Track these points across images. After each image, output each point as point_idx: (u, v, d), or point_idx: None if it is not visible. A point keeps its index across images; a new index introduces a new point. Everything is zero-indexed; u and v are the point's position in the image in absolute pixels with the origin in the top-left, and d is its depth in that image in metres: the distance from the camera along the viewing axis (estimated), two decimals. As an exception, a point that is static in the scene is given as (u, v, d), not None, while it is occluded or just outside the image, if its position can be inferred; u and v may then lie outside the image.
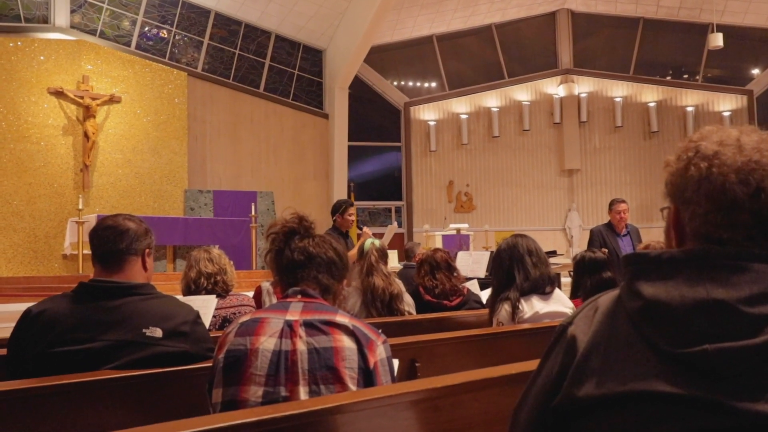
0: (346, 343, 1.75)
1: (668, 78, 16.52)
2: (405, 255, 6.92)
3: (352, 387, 1.72)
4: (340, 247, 2.03)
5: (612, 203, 6.68)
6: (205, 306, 3.09)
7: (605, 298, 1.17)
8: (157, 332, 2.12)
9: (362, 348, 1.76)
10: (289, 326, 1.74)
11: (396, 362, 1.97)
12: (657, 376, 1.00)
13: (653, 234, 9.52)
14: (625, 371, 1.03)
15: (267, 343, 1.72)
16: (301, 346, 1.71)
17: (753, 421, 0.93)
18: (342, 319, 1.80)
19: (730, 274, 0.99)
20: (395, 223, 6.70)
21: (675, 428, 0.97)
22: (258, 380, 1.69)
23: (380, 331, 1.89)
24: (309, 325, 1.75)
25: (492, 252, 8.03)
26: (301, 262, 1.93)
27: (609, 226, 6.62)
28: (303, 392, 1.68)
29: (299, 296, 1.86)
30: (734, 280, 0.99)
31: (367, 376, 1.76)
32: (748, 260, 1.00)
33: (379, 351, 1.81)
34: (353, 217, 6.30)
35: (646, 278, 1.06)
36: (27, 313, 2.16)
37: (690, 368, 0.97)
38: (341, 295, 2.04)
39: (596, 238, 6.47)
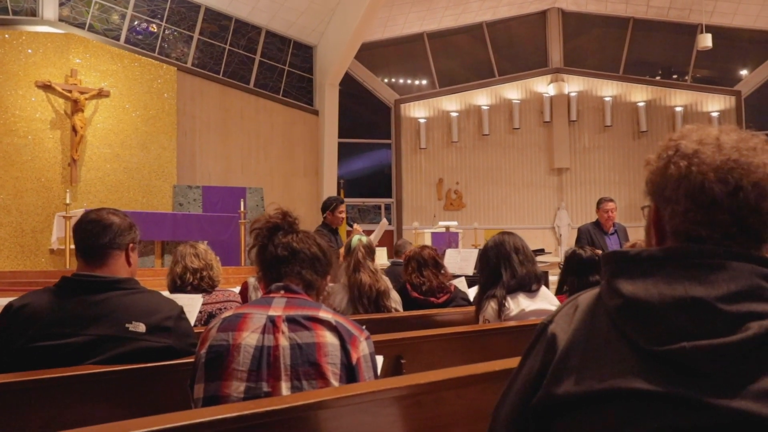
0: (329, 338, 1.75)
1: (657, 78, 16.60)
2: (395, 252, 6.92)
3: (335, 382, 1.72)
4: (324, 243, 2.03)
5: (600, 202, 6.79)
6: (191, 305, 3.08)
7: (585, 296, 1.18)
8: (141, 327, 2.11)
9: (345, 344, 1.77)
10: (272, 322, 1.74)
11: (380, 359, 1.97)
12: (636, 374, 1.00)
13: (642, 233, 9.54)
14: (604, 369, 1.04)
15: (249, 338, 1.72)
16: (284, 342, 1.71)
17: (730, 417, 0.94)
18: (325, 314, 1.80)
19: (708, 272, 1.00)
20: (386, 220, 6.69)
21: (653, 425, 0.98)
22: (240, 375, 1.69)
23: (364, 327, 1.89)
24: (292, 321, 1.75)
25: (480, 250, 8.05)
26: (285, 257, 1.93)
27: (597, 224, 6.72)
28: (285, 388, 1.68)
29: (282, 292, 1.86)
30: (712, 279, 0.99)
31: (350, 372, 1.76)
32: (727, 258, 1.01)
33: (362, 347, 1.81)
34: (343, 214, 6.31)
35: (625, 276, 1.07)
36: (8, 308, 2.14)
37: (668, 366, 0.98)
38: (325, 291, 2.04)
39: (584, 237, 6.55)
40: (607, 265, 1.12)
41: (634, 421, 0.99)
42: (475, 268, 6.81)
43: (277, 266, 1.93)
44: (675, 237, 1.09)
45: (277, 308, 1.78)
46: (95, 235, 2.23)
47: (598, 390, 1.03)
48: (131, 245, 2.31)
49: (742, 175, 1.04)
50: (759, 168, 1.05)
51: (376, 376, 1.85)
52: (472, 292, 4.54)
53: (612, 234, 6.65)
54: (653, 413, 0.98)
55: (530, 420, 1.15)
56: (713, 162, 1.05)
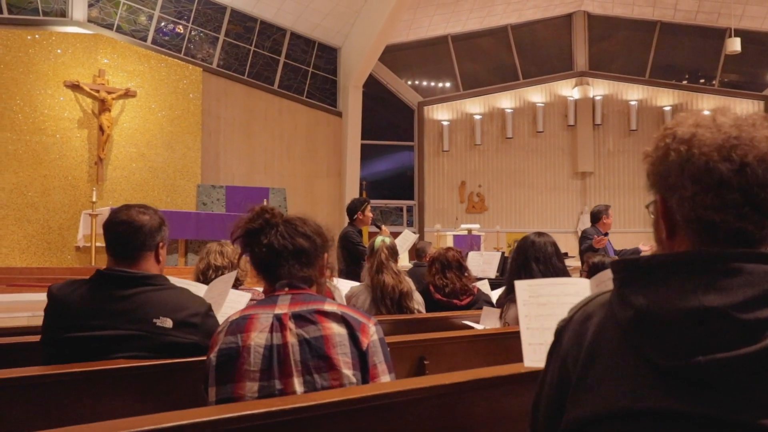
0: (336, 329, 1.75)
1: (684, 82, 16.41)
2: (416, 254, 6.91)
3: (347, 372, 1.72)
4: (310, 225, 1.95)
5: (607, 209, 7.28)
6: (237, 301, 3.04)
7: (595, 304, 1.15)
8: (168, 323, 2.14)
9: (354, 332, 1.77)
10: (279, 320, 1.75)
11: (411, 236, 1.97)
12: (651, 392, 0.97)
13: (631, 240, 9.24)
14: (618, 387, 1.01)
15: (258, 338, 1.72)
16: (292, 339, 1.71)
17: None
18: (330, 307, 1.80)
19: (722, 277, 0.96)
20: (409, 232, 6.69)
21: None
22: (252, 376, 1.69)
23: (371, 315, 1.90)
24: (298, 317, 1.76)
25: (503, 253, 8.02)
26: (271, 260, 1.89)
27: (596, 230, 7.17)
28: (297, 383, 1.69)
29: (286, 289, 1.85)
30: (727, 285, 0.95)
31: (362, 359, 1.76)
32: (742, 261, 0.97)
33: (372, 332, 1.81)
34: (371, 214, 6.37)
35: (636, 286, 1.03)
36: (49, 293, 2.20)
37: (685, 382, 0.95)
38: (324, 276, 1.99)
39: (591, 237, 7.03)
40: (617, 273, 1.08)
41: None
42: (497, 271, 6.81)
43: (268, 269, 1.91)
44: (687, 226, 1.05)
45: (283, 306, 1.79)
46: (126, 237, 2.26)
47: (614, 410, 1.01)
48: (161, 243, 2.34)
49: (746, 150, 1.00)
50: (762, 142, 1.01)
51: (388, 360, 1.85)
52: (495, 295, 4.52)
53: (606, 234, 7.18)
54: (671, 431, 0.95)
55: None
56: (714, 141, 1.02)
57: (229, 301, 2.78)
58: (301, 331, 1.73)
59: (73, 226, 10.61)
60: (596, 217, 7.22)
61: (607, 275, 2.38)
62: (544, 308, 2.07)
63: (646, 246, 7.04)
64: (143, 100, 11.58)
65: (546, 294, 2.13)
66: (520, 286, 2.09)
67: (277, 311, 1.77)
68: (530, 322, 2.00)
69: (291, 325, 1.74)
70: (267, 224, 1.91)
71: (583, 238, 7.17)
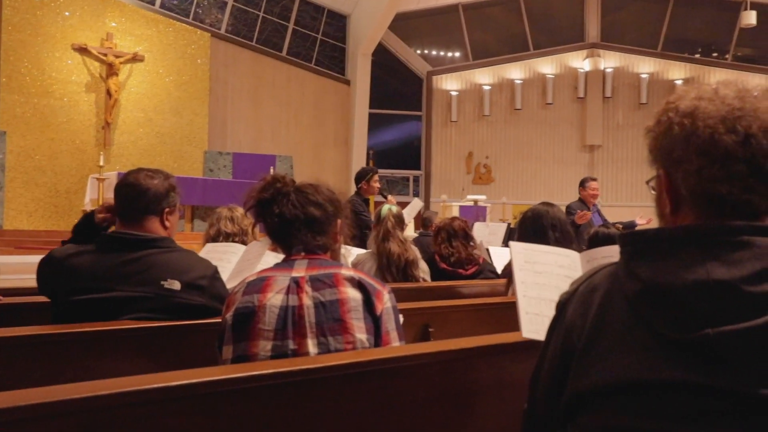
0: (351, 293, 1.77)
1: (697, 56, 16.21)
2: (422, 224, 6.92)
3: (360, 336, 1.74)
4: (322, 192, 1.93)
5: (585, 181, 7.16)
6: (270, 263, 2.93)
7: (601, 276, 1.15)
8: (176, 284, 2.15)
9: (370, 297, 1.79)
10: (296, 282, 1.77)
11: (401, 318, 1.98)
12: (659, 364, 0.98)
13: (623, 213, 9.07)
14: (626, 359, 1.02)
15: (274, 299, 1.74)
16: (308, 301, 1.73)
17: (758, 406, 0.91)
18: (347, 272, 1.82)
19: (731, 251, 0.96)
20: (419, 200, 6.69)
21: (679, 414, 0.96)
22: (266, 335, 1.72)
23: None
24: (315, 280, 1.78)
25: (509, 224, 8.02)
26: (284, 229, 1.90)
27: (582, 202, 7.05)
28: (311, 344, 1.71)
29: (303, 254, 1.87)
30: (736, 258, 0.95)
31: (376, 324, 1.79)
32: (750, 234, 0.96)
33: (386, 299, 1.84)
34: (378, 184, 6.32)
35: (644, 259, 1.03)
36: (50, 258, 2.21)
37: (693, 354, 0.95)
38: (337, 243, 1.99)
39: (575, 212, 6.79)
40: (625, 246, 1.08)
41: (661, 413, 0.97)
42: (502, 242, 6.80)
43: (282, 238, 1.92)
44: (693, 200, 1.04)
45: (300, 269, 1.81)
46: (131, 199, 2.27)
47: (622, 381, 1.01)
48: (167, 209, 2.33)
49: (750, 122, 0.99)
50: (765, 113, 1.00)
51: (399, 328, 1.87)
52: (500, 262, 4.54)
53: (594, 212, 6.96)
54: (680, 404, 0.96)
55: (564, 407, 1.14)
56: (718, 113, 1.01)
57: (265, 264, 2.72)
58: (318, 294, 1.75)
59: (80, 190, 10.64)
60: (580, 189, 7.19)
61: (599, 253, 2.37)
62: (540, 277, 2.06)
63: (643, 219, 6.99)
64: (151, 64, 11.52)
65: (542, 262, 2.12)
66: (516, 248, 2.07)
67: (294, 274, 1.79)
68: (527, 289, 1.99)
69: (307, 287, 1.76)
70: (278, 193, 1.90)
71: (567, 213, 7.03)
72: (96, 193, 9.53)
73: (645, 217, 6.97)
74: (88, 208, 10.27)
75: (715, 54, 16.23)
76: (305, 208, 1.88)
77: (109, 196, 9.38)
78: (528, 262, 2.08)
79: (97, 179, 9.33)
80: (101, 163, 9.40)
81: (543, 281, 2.04)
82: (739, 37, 15.51)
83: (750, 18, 12.77)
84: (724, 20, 15.55)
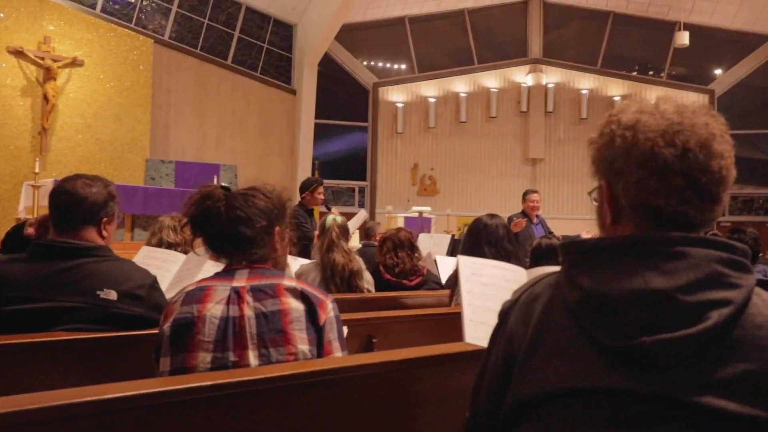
0: (293, 304, 1.75)
1: (634, 73, 16.74)
2: (365, 234, 6.93)
3: (302, 347, 1.72)
4: (256, 204, 1.85)
5: (526, 193, 7.41)
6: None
7: (542, 285, 1.17)
8: (112, 294, 2.09)
9: (313, 307, 1.77)
10: (236, 293, 1.73)
11: (345, 329, 1.97)
12: (598, 371, 1.00)
13: (571, 226, 9.27)
14: (566, 366, 1.04)
15: (214, 309, 1.71)
16: (249, 312, 1.70)
17: (694, 411, 0.94)
18: (289, 282, 1.79)
19: (668, 260, 0.99)
20: (364, 211, 6.70)
21: (618, 422, 0.98)
22: (206, 347, 1.68)
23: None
24: (256, 290, 1.74)
25: (453, 236, 8.09)
26: (220, 246, 1.86)
27: (524, 214, 7.26)
28: (252, 356, 1.68)
29: (244, 263, 1.83)
30: (672, 268, 0.98)
31: (319, 335, 1.77)
32: (686, 245, 1.00)
33: (329, 309, 1.83)
34: (321, 196, 6.30)
35: (584, 268, 1.05)
36: None
37: (630, 361, 0.98)
38: (277, 250, 1.92)
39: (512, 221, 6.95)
40: (566, 255, 1.11)
41: (599, 419, 0.99)
42: (447, 254, 6.86)
43: (219, 252, 1.88)
44: (633, 210, 1.08)
45: (241, 279, 1.77)
46: (67, 208, 2.20)
47: (561, 389, 1.03)
48: (105, 219, 2.26)
49: (688, 136, 1.04)
50: (702, 128, 1.05)
51: (342, 338, 1.85)
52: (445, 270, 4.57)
53: (537, 224, 7.21)
54: (617, 410, 0.98)
55: (505, 415, 1.15)
56: (658, 127, 1.05)
57: (206, 273, 2.66)
58: (259, 304, 1.72)
59: (14, 197, 10.27)
60: (522, 201, 7.38)
61: (544, 271, 2.41)
62: (486, 288, 2.09)
63: (589, 234, 7.17)
64: (91, 69, 11.22)
65: (488, 275, 2.15)
66: (464, 261, 2.11)
67: (235, 284, 1.75)
68: (472, 299, 2.02)
69: (249, 298, 1.72)
70: (208, 212, 1.83)
71: (509, 222, 7.21)
72: (31, 201, 9.21)
73: (591, 231, 7.15)
74: (23, 216, 9.92)
75: (651, 72, 16.78)
76: (235, 227, 1.81)
77: (45, 204, 9.08)
78: (475, 274, 2.10)
79: (33, 186, 9.02)
80: (37, 170, 9.10)
81: (489, 292, 2.07)
82: (674, 56, 16.08)
83: (683, 38, 13.27)
84: (659, 40, 16.10)
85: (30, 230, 2.35)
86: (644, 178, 1.05)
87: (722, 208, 1.09)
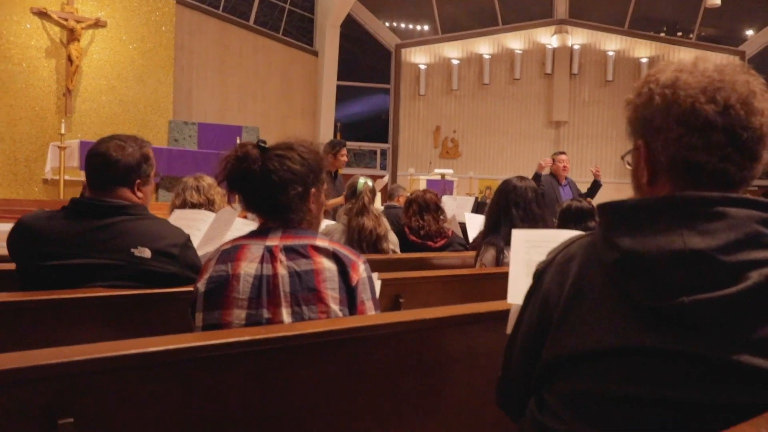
0: (326, 264, 1.76)
1: (662, 34, 16.39)
2: (388, 196, 6.93)
3: (334, 306, 1.74)
4: (292, 167, 1.83)
5: (555, 155, 7.23)
6: (242, 230, 2.88)
7: (578, 246, 1.17)
8: (146, 252, 2.12)
9: (345, 268, 1.78)
10: (270, 252, 1.75)
11: (378, 282, 1.98)
12: (636, 331, 1.00)
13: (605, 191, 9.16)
14: (603, 326, 1.04)
15: (248, 267, 1.73)
16: (282, 271, 1.72)
17: (731, 372, 0.94)
18: (322, 243, 1.80)
19: (707, 221, 0.99)
20: (387, 178, 6.68)
21: (653, 380, 0.98)
22: (240, 303, 1.71)
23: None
24: (289, 250, 1.76)
25: (476, 198, 8.08)
26: (256, 206, 1.86)
27: (552, 176, 7.13)
28: (285, 314, 1.71)
29: (278, 222, 1.85)
30: (711, 228, 0.98)
31: (350, 295, 1.79)
32: (725, 205, 0.99)
33: (361, 270, 1.84)
34: (345, 158, 6.30)
35: (622, 229, 1.05)
36: (20, 223, 2.16)
37: (668, 321, 0.98)
38: (313, 212, 1.91)
39: (543, 182, 6.90)
40: (604, 216, 1.10)
41: (635, 378, 1.00)
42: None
43: (254, 210, 1.88)
44: (672, 168, 1.07)
45: (274, 238, 1.78)
46: (101, 170, 2.22)
47: (597, 348, 1.04)
48: (138, 181, 2.28)
49: (729, 93, 1.03)
50: (743, 85, 1.04)
51: (375, 297, 1.88)
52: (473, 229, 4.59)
53: (565, 186, 7.08)
54: (654, 370, 0.99)
55: (537, 380, 1.17)
56: (699, 84, 1.04)
57: (235, 230, 2.67)
58: (292, 263, 1.74)
59: (40, 158, 10.39)
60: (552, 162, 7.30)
61: (576, 234, 2.38)
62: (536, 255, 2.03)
63: (593, 168, 7.19)
64: (114, 31, 11.22)
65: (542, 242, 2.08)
66: (518, 235, 2.04)
67: (269, 243, 1.77)
68: (520, 267, 1.96)
69: (282, 257, 1.74)
70: (245, 175, 1.81)
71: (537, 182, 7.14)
72: (57, 162, 9.32)
73: (594, 167, 7.21)
74: (49, 176, 10.06)
75: (679, 33, 16.43)
76: (271, 192, 1.80)
77: (71, 164, 9.18)
78: (528, 241, 2.05)
79: (59, 147, 9.12)
80: (62, 131, 9.19)
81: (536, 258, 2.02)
82: (704, 17, 15.71)
83: (715, -2, 12.97)
84: (689, 0, 15.72)
85: None
86: (684, 134, 1.04)
87: (761, 167, 1.07)
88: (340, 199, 4.68)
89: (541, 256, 1.26)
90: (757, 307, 0.95)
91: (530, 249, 1.95)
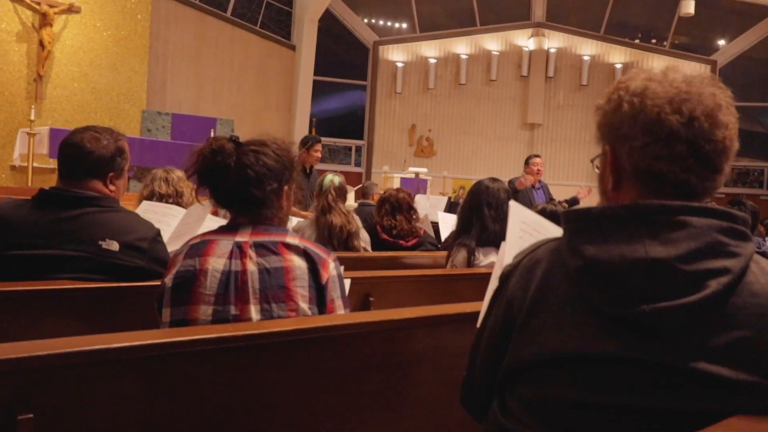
0: (297, 262, 1.75)
1: (636, 41, 16.59)
2: (361, 194, 6.93)
3: (303, 305, 1.73)
4: (265, 162, 1.80)
5: (529, 158, 7.25)
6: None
7: (544, 251, 1.18)
8: (114, 245, 2.09)
9: (315, 266, 1.77)
10: (239, 247, 1.73)
11: (347, 282, 1.98)
12: (597, 338, 1.02)
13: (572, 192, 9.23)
14: (564, 332, 1.06)
15: (216, 263, 1.71)
16: (252, 267, 1.71)
17: (689, 379, 0.96)
18: (292, 240, 1.79)
19: (669, 230, 1.01)
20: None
21: (613, 386, 1.00)
22: (207, 299, 1.69)
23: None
24: (259, 246, 1.74)
25: (449, 197, 8.11)
26: (227, 202, 1.85)
27: (523, 177, 7.11)
28: (254, 311, 1.70)
29: (248, 218, 1.83)
30: (673, 237, 1.00)
31: (320, 293, 1.78)
32: (687, 214, 1.01)
33: (331, 268, 1.83)
34: (319, 154, 6.26)
35: (587, 236, 1.07)
36: None
37: (629, 329, 0.99)
38: (284, 209, 1.90)
39: (516, 183, 6.90)
40: (569, 223, 1.12)
41: (596, 385, 1.01)
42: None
43: (224, 205, 1.88)
44: (636, 176, 1.09)
45: (244, 234, 1.77)
46: (72, 161, 2.19)
47: (560, 353, 1.05)
48: (111, 174, 2.25)
49: (695, 105, 1.05)
50: (709, 98, 1.06)
51: (344, 296, 1.87)
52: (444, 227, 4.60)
53: (538, 189, 7.11)
54: (614, 377, 1.00)
55: (500, 383, 1.18)
56: (666, 95, 1.06)
57: (206, 227, 2.64)
58: (262, 260, 1.72)
59: (8, 144, 10.19)
60: (524, 166, 7.30)
61: (542, 239, 2.37)
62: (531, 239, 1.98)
63: (584, 190, 7.12)
64: (87, 17, 11.03)
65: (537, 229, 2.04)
66: (515, 210, 1.99)
67: (238, 239, 1.75)
68: (514, 239, 1.90)
69: (251, 253, 1.73)
70: (218, 168, 1.78)
71: (509, 185, 7.12)
72: (26, 148, 9.14)
73: (585, 188, 7.13)
74: (17, 163, 9.87)
75: (654, 40, 16.64)
76: (246, 187, 1.78)
77: (40, 151, 9.02)
78: (524, 222, 1.99)
79: (28, 134, 8.95)
80: (32, 117, 9.01)
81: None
82: (678, 25, 15.93)
83: (688, 7, 13.13)
84: (664, 7, 15.91)
85: None
86: (649, 143, 1.06)
87: (723, 178, 1.10)
88: (308, 213, 4.66)
89: (531, 240, 1.26)
90: (714, 315, 0.98)
91: (523, 234, 1.90)
